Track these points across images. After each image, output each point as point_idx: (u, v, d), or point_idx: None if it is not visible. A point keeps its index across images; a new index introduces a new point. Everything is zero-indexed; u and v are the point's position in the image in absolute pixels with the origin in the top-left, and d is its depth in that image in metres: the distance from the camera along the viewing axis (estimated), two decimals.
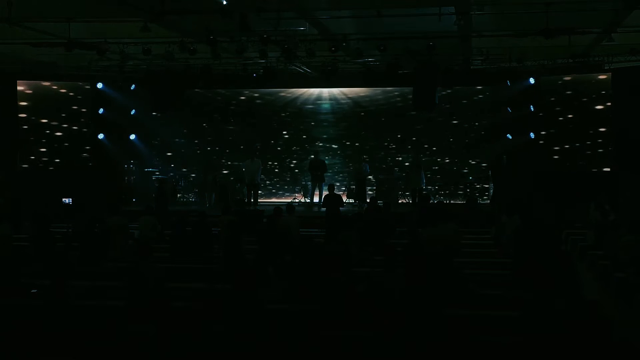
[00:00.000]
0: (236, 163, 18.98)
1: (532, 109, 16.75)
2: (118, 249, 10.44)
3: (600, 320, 6.68)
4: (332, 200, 13.76)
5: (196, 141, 19.40)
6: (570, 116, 16.63)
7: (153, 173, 18.73)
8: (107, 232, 10.59)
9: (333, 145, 19.15)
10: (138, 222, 11.58)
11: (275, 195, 19.24)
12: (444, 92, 17.71)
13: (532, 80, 16.53)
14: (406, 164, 18.14)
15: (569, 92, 16.62)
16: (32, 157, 17.72)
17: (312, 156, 17.72)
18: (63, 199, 16.65)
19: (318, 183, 17.19)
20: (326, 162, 18.05)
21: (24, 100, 17.55)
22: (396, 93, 18.54)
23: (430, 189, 18.01)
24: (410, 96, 17.08)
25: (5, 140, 17.10)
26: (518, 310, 6.59)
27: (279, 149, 19.31)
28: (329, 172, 18.40)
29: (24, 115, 17.54)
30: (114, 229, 10.67)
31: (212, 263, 10.02)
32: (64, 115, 17.82)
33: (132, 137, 18.43)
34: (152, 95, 17.31)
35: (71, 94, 17.94)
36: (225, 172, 18.81)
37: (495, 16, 11.97)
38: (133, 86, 17.88)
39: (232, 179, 17.91)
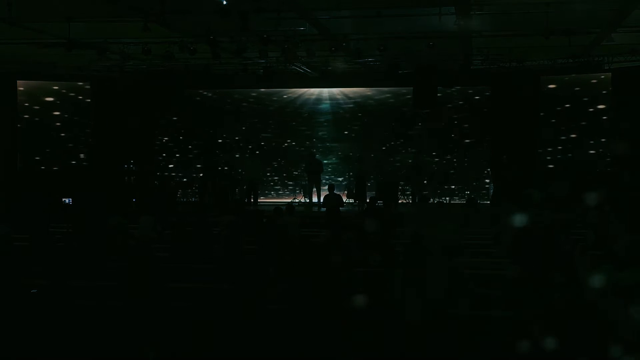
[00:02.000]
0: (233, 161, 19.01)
1: (532, 109, 16.77)
2: (118, 249, 10.43)
3: (600, 320, 6.67)
4: (332, 200, 13.78)
5: (196, 141, 19.41)
6: (570, 116, 16.65)
7: (153, 173, 18.75)
8: (107, 232, 10.58)
9: (333, 145, 19.16)
10: (138, 222, 11.58)
11: (275, 195, 19.25)
12: (446, 91, 17.77)
13: (532, 81, 16.55)
14: (407, 162, 18.14)
15: (568, 92, 16.63)
16: (32, 157, 17.73)
17: (309, 155, 17.74)
18: (63, 199, 16.67)
19: (315, 183, 17.20)
20: (325, 162, 18.07)
21: (24, 100, 17.56)
22: (404, 92, 18.43)
23: (431, 189, 18.02)
24: (410, 96, 17.12)
25: (5, 140, 17.12)
26: (518, 310, 6.59)
27: (279, 149, 19.31)
28: (329, 173, 18.42)
29: (24, 115, 17.56)
30: (114, 229, 10.67)
31: (212, 263, 10.02)
32: (63, 115, 17.83)
33: (132, 137, 18.43)
34: (152, 95, 17.32)
35: (71, 94, 17.95)
36: (225, 172, 18.82)
37: (495, 16, 11.97)
38: (133, 86, 17.90)
39: (232, 178, 17.93)
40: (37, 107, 17.67)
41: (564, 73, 16.30)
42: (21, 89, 17.46)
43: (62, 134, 17.85)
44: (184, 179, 18.96)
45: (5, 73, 16.78)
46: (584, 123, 16.50)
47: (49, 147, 17.78)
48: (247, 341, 6.19)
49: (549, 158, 16.86)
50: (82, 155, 17.98)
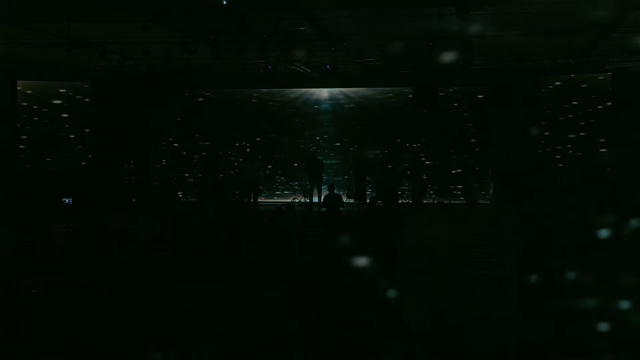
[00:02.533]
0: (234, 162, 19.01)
1: (532, 109, 16.78)
2: (118, 249, 10.43)
3: (601, 321, 6.67)
4: (332, 200, 13.78)
5: (196, 141, 19.40)
6: (570, 116, 16.66)
7: (153, 173, 18.75)
8: (107, 232, 10.59)
9: (333, 145, 19.16)
10: (138, 222, 11.57)
11: (275, 195, 19.25)
12: (449, 91, 17.77)
13: (532, 81, 16.57)
14: (407, 161, 18.15)
15: (568, 92, 16.65)
16: (32, 157, 17.71)
17: (310, 155, 17.73)
18: (63, 199, 16.67)
19: (316, 183, 17.21)
20: (325, 162, 18.08)
21: (24, 100, 17.56)
22: (405, 91, 18.40)
23: (431, 188, 18.04)
24: (410, 96, 17.12)
25: (4, 140, 17.11)
26: (519, 310, 6.59)
27: (279, 149, 19.32)
28: (330, 173, 18.43)
29: (23, 115, 17.55)
30: (114, 229, 10.67)
31: (212, 263, 10.01)
32: (63, 115, 17.83)
33: (132, 137, 18.44)
34: (152, 95, 17.31)
35: (72, 94, 17.95)
36: (225, 172, 18.83)
37: (495, 16, 11.96)
38: (133, 86, 17.91)
39: (232, 178, 17.94)
40: (37, 107, 17.66)
41: (564, 73, 16.31)
42: (21, 88, 17.46)
43: (62, 134, 17.84)
44: (190, 179, 18.97)
45: (5, 73, 16.77)
46: (584, 123, 16.51)
47: (48, 147, 17.77)
48: (247, 341, 6.20)
49: (558, 157, 16.85)
50: (82, 155, 17.97)
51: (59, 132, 17.77)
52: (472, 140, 18.29)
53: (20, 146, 17.49)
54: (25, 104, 17.58)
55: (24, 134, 17.57)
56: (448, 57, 14.93)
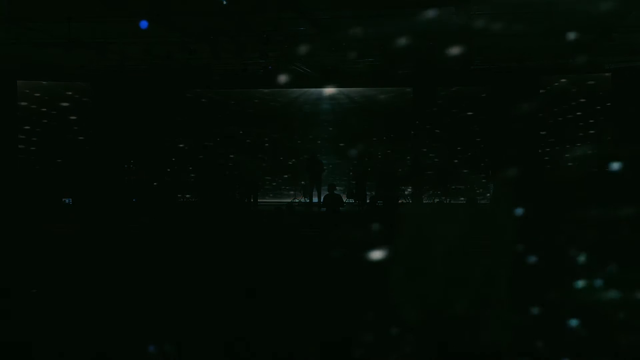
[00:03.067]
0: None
1: (532, 108, 16.79)
2: (119, 251, 10.44)
3: (603, 321, 6.68)
4: (332, 200, 13.78)
5: (195, 141, 19.40)
6: (570, 116, 16.67)
7: (153, 173, 18.74)
8: (108, 233, 10.60)
9: (333, 145, 19.16)
10: (139, 223, 11.59)
11: (275, 195, 19.25)
12: (449, 90, 17.77)
13: (532, 81, 16.57)
14: (407, 161, 18.16)
15: (569, 92, 16.66)
16: (32, 157, 17.73)
17: (310, 155, 17.74)
18: (63, 199, 16.68)
19: (316, 183, 17.21)
20: (325, 162, 18.08)
21: (24, 100, 17.55)
22: (407, 91, 18.39)
23: (431, 188, 18.03)
24: (411, 96, 17.11)
25: (4, 140, 17.12)
26: (519, 311, 6.58)
27: (278, 149, 19.32)
28: (334, 172, 18.43)
29: (24, 115, 17.56)
30: (114, 229, 10.69)
31: (213, 263, 10.02)
32: (64, 115, 17.83)
33: (133, 136, 18.44)
34: (151, 95, 17.30)
35: (72, 94, 17.94)
36: (225, 172, 18.82)
37: (495, 16, 11.95)
38: (133, 85, 17.91)
39: (232, 178, 17.94)
40: (37, 107, 17.66)
41: (564, 73, 16.31)
42: (21, 88, 17.46)
43: (62, 134, 17.85)
44: (192, 179, 18.98)
45: (5, 73, 16.77)
46: (583, 123, 16.51)
47: (49, 147, 17.78)
48: (247, 341, 6.20)
49: (567, 155, 16.87)
50: (82, 155, 17.96)
51: (59, 131, 17.77)
52: (472, 140, 18.29)
53: (31, 148, 17.55)
54: (26, 103, 17.58)
55: (33, 136, 17.59)
56: (448, 56, 14.95)
